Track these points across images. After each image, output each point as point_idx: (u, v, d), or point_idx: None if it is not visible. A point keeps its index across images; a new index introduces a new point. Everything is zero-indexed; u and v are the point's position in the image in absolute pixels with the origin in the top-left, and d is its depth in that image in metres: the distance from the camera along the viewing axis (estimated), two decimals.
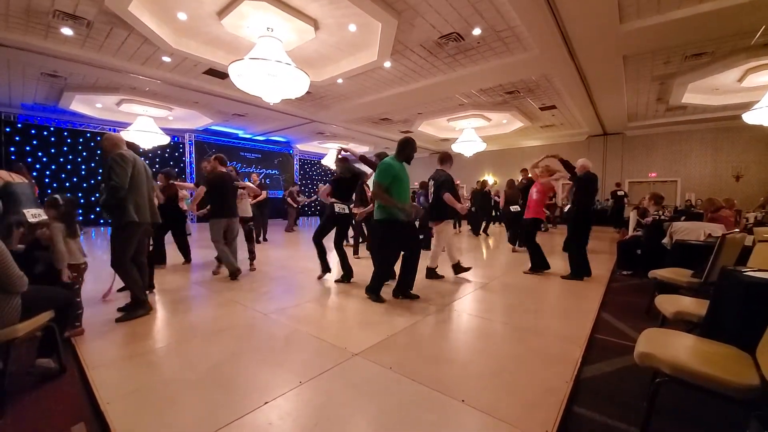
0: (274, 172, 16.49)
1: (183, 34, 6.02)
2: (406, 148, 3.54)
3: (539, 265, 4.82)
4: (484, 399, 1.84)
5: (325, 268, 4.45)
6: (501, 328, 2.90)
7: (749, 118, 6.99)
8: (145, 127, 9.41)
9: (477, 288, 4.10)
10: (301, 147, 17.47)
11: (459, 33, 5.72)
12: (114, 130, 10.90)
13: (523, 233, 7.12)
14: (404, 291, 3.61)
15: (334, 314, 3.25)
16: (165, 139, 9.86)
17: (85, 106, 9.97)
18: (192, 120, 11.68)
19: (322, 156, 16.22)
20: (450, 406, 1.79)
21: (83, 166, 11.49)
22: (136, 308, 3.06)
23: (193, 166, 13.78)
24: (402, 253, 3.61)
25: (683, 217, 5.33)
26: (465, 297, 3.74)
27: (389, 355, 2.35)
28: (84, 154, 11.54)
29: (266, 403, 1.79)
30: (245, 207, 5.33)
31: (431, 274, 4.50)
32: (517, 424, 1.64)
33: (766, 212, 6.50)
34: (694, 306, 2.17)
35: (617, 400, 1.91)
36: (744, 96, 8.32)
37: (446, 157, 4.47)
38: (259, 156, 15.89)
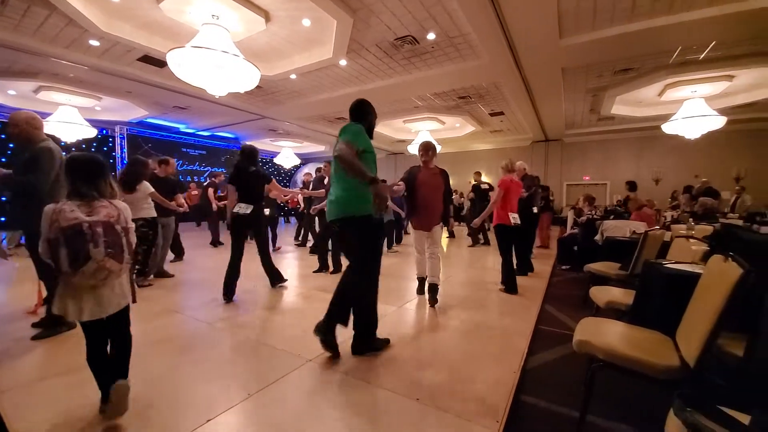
0: (221, 170, 15.57)
1: (115, 17, 5.44)
2: (368, 114, 2.54)
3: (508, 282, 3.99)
4: (438, 396, 1.85)
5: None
6: (454, 324, 2.97)
7: (667, 128, 7.91)
8: (67, 118, 8.37)
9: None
10: (252, 144, 16.69)
11: (414, 36, 5.81)
12: None
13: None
14: (366, 340, 2.40)
15: (287, 320, 3.11)
16: (91, 132, 8.84)
17: None
18: (124, 111, 10.60)
19: (274, 154, 15.63)
20: (406, 406, 1.78)
21: None
22: (58, 323, 2.68)
23: (125, 162, 12.54)
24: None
25: (612, 216, 5.88)
26: (420, 296, 3.79)
27: (344, 359, 2.30)
28: None
29: (209, 420, 1.65)
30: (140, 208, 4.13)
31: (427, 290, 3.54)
32: (470, 417, 1.67)
33: (681, 212, 7.39)
34: (622, 296, 2.37)
35: (560, 386, 2.03)
36: (663, 109, 9.38)
37: (419, 148, 3.56)
38: (204, 153, 14.89)
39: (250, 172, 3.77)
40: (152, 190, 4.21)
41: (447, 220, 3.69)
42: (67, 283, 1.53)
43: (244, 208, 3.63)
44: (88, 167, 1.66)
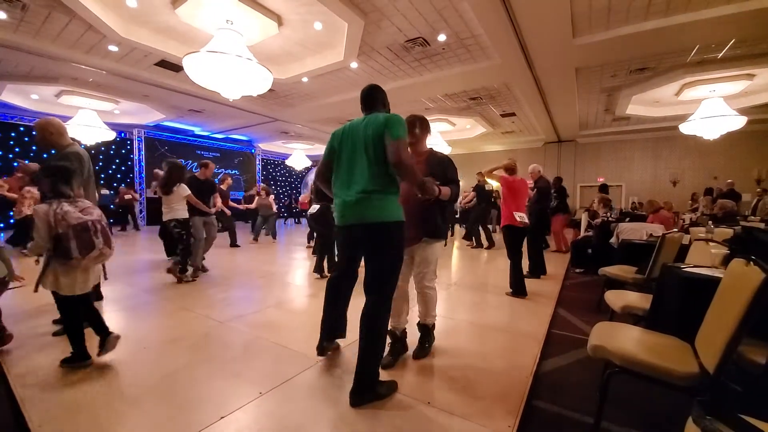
0: (234, 172, 15.82)
1: (133, 22, 5.60)
2: (385, 103, 2.12)
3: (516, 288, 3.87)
4: (450, 399, 1.85)
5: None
6: (465, 327, 2.95)
7: (685, 128, 7.71)
8: (87, 122, 8.63)
9: (441, 288, 4.15)
10: (264, 146, 16.90)
11: (425, 38, 5.81)
12: None
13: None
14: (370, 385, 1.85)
15: (298, 319, 3.14)
16: (110, 135, 9.09)
17: (18, 96, 8.99)
18: (141, 115, 10.87)
19: (286, 156, 15.80)
20: (417, 408, 1.77)
21: (15, 164, 10.31)
22: None
23: (143, 164, 12.84)
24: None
25: (628, 219, 5.77)
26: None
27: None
28: (17, 150, 10.38)
29: (222, 417, 1.67)
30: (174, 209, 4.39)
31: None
32: (483, 422, 1.66)
33: (700, 214, 7.21)
34: (639, 300, 2.32)
35: (573, 391, 1.99)
36: (680, 108, 9.14)
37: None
38: (218, 155, 15.15)
39: None
40: (188, 192, 4.42)
41: (437, 228, 2.31)
42: (67, 265, 2.03)
43: (312, 209, 4.51)
44: (64, 172, 2.11)
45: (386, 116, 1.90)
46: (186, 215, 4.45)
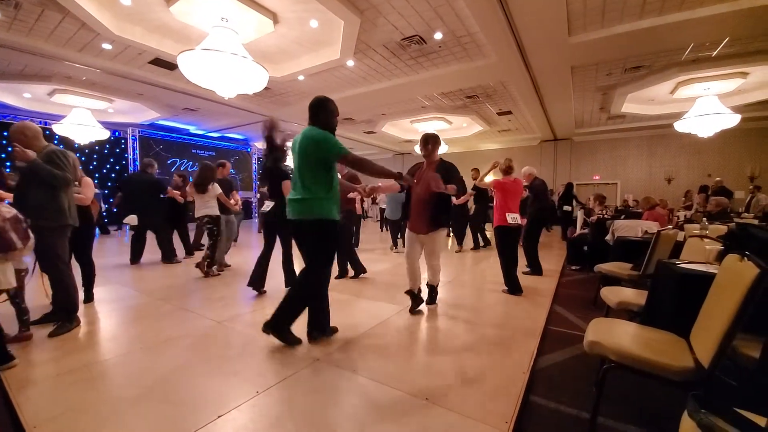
0: (230, 171, 15.71)
1: (126, 20, 5.54)
2: (332, 113, 2.55)
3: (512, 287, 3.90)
4: (448, 396, 1.85)
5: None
6: (463, 324, 2.96)
7: (680, 126, 7.76)
8: (80, 120, 8.53)
9: (440, 286, 4.15)
10: (261, 145, 16.81)
11: (421, 36, 5.80)
12: (45, 123, 9.82)
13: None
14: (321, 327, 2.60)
15: None
16: (104, 134, 8.98)
17: (10, 95, 8.87)
18: (136, 113, 10.76)
19: None
20: (414, 406, 1.78)
21: (8, 163, 10.22)
22: (70, 320, 2.77)
23: (137, 163, 12.73)
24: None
25: (623, 216, 5.80)
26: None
27: (353, 357, 2.30)
28: (9, 149, 10.26)
29: (219, 416, 1.67)
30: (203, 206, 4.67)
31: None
32: (480, 418, 1.66)
33: (695, 211, 7.26)
34: (634, 296, 2.33)
35: (570, 387, 2.00)
36: (675, 107, 9.20)
37: (419, 142, 3.52)
38: (213, 154, 15.02)
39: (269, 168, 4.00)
40: (220, 191, 4.76)
41: (440, 220, 3.09)
42: (2, 259, 2.10)
43: (266, 206, 3.88)
44: None
45: (315, 138, 2.31)
46: (217, 212, 4.74)
